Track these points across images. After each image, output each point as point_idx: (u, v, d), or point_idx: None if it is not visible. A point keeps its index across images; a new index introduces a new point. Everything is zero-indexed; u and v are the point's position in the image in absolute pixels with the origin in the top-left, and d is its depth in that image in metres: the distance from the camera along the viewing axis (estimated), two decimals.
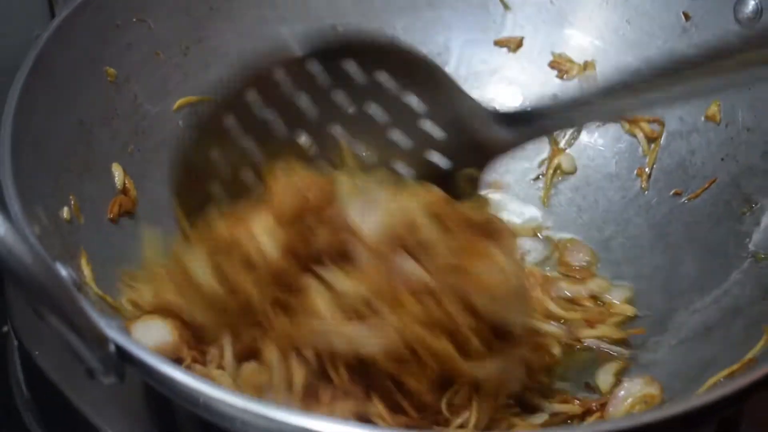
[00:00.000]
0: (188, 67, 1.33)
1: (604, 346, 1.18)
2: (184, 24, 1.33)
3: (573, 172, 1.43)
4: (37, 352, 1.17)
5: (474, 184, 1.16)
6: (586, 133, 1.44)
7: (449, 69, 1.46)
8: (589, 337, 1.18)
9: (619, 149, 1.42)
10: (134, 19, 1.26)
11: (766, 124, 1.25)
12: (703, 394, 0.82)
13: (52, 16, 1.16)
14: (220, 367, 1.02)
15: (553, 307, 1.21)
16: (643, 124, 1.40)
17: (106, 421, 1.12)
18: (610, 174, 1.41)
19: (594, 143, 1.43)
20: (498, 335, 0.97)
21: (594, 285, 1.27)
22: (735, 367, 1.00)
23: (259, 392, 0.98)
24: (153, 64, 1.29)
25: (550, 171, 1.43)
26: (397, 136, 1.14)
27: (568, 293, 1.25)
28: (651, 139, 1.39)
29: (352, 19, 1.46)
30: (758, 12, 1.25)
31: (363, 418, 0.93)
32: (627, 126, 1.41)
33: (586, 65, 1.45)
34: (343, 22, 1.44)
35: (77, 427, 1.12)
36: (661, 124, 1.38)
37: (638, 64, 1.38)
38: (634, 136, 1.41)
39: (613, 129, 1.43)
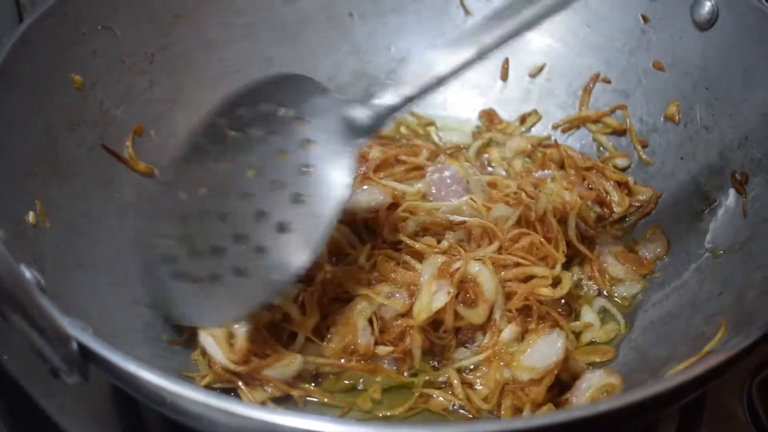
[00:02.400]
0: (154, 73, 1.34)
1: None
2: (149, 31, 1.34)
3: None
4: (5, 357, 1.17)
5: None
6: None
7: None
8: None
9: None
10: (100, 27, 1.26)
11: (724, 123, 1.27)
12: (661, 382, 0.82)
13: (20, 22, 1.16)
14: None
15: None
16: (608, 120, 1.42)
17: (73, 423, 1.13)
18: None
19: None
20: None
21: None
22: (694, 359, 1.02)
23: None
24: (119, 71, 1.30)
25: None
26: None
27: None
28: (620, 132, 1.42)
29: (319, 25, 1.48)
30: (714, 13, 1.27)
31: None
32: (593, 129, 1.44)
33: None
34: (308, 28, 1.46)
35: (44, 429, 1.13)
36: (623, 107, 1.43)
37: (597, 66, 1.43)
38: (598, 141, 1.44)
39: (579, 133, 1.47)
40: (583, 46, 1.44)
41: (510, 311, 1.16)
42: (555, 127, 1.47)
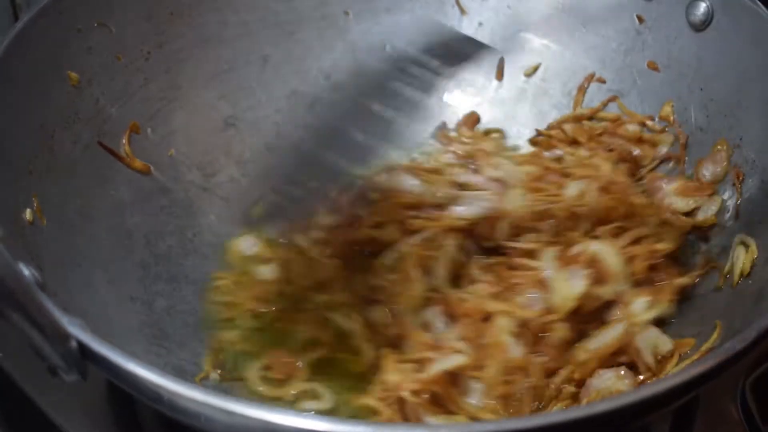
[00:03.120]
0: (150, 71, 1.34)
1: None
2: (145, 29, 1.34)
3: None
4: (1, 355, 1.17)
5: None
6: None
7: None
8: None
9: None
10: (95, 24, 1.26)
11: (717, 123, 1.28)
12: (654, 384, 0.83)
13: (16, 21, 1.16)
14: None
15: None
16: (602, 115, 1.43)
17: (69, 422, 1.13)
18: None
19: None
20: None
21: None
22: (694, 357, 1.03)
23: None
24: (114, 69, 1.29)
25: None
26: None
27: None
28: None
29: (314, 23, 1.48)
30: (709, 14, 1.28)
31: None
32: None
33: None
34: (304, 26, 1.46)
35: (41, 428, 1.13)
36: (615, 98, 1.44)
37: (593, 66, 1.43)
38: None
39: None
40: (579, 46, 1.45)
41: (637, 276, 1.16)
42: (550, 128, 1.46)
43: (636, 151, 1.36)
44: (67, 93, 1.22)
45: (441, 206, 1.28)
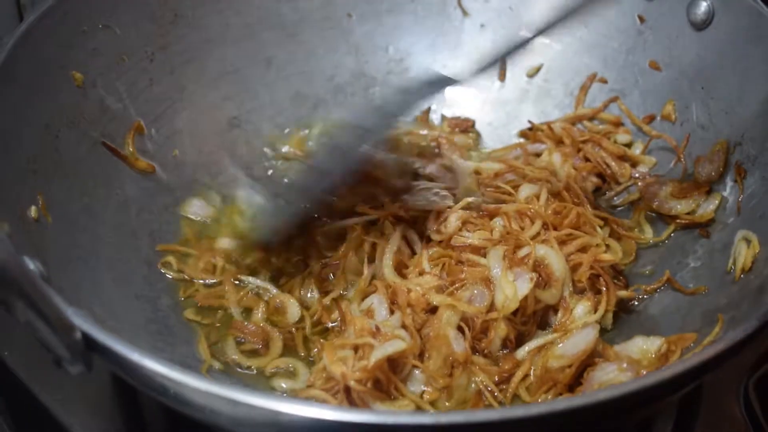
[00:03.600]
0: (154, 72, 1.35)
1: None
2: (149, 30, 1.35)
3: None
4: (5, 352, 1.18)
5: None
6: None
7: (411, 73, 1.53)
8: None
9: None
10: (100, 25, 1.27)
11: (719, 121, 1.28)
12: (657, 372, 0.83)
13: (21, 22, 1.17)
14: None
15: None
16: (604, 115, 1.45)
17: (73, 418, 1.13)
18: None
19: None
20: None
21: None
22: (695, 350, 1.03)
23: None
24: (119, 69, 1.30)
25: None
26: None
27: None
28: (617, 125, 1.43)
29: (318, 25, 1.49)
30: (710, 13, 1.28)
31: None
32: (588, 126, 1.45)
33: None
34: (307, 28, 1.47)
35: (45, 425, 1.13)
36: (616, 98, 1.45)
37: (595, 66, 1.44)
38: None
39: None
40: (581, 46, 1.45)
41: (580, 282, 1.18)
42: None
43: (612, 169, 1.37)
44: (71, 93, 1.22)
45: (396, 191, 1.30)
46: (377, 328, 1.09)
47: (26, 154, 1.11)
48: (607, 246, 1.27)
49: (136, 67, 1.33)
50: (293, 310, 1.21)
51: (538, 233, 1.22)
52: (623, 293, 1.20)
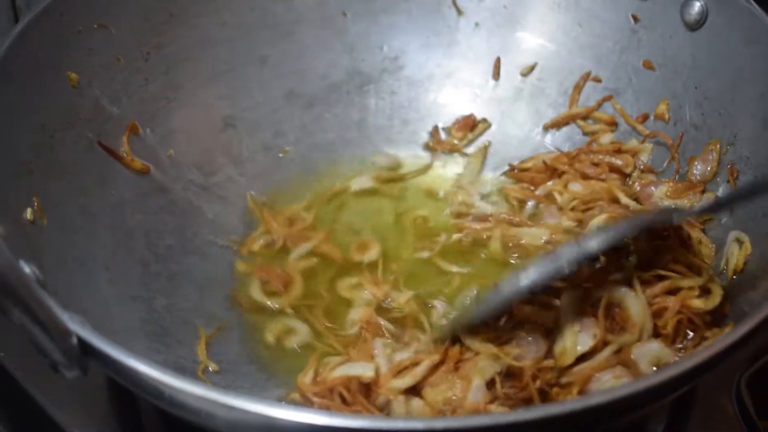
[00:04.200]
0: (149, 71, 1.35)
1: None
2: (144, 30, 1.35)
3: None
4: (2, 354, 1.18)
5: None
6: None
7: (406, 72, 1.53)
8: None
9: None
10: (95, 25, 1.27)
11: (713, 121, 1.29)
12: (650, 376, 0.84)
13: (17, 22, 1.17)
14: None
15: None
16: (597, 115, 1.44)
17: (70, 420, 1.14)
18: None
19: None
20: None
21: None
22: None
23: None
24: (114, 69, 1.30)
25: None
26: None
27: None
28: (611, 124, 1.43)
29: (312, 24, 1.49)
30: (703, 14, 1.28)
31: None
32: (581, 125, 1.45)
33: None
34: (302, 27, 1.47)
35: (42, 427, 1.14)
36: (610, 97, 1.44)
37: (588, 65, 1.44)
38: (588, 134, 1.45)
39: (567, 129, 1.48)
40: (575, 46, 1.45)
41: (663, 329, 1.08)
42: (546, 128, 1.48)
43: (618, 161, 1.37)
44: (67, 93, 1.23)
45: None
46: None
47: (22, 155, 1.12)
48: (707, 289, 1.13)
49: (131, 67, 1.33)
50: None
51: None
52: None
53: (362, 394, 1.05)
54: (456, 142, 1.49)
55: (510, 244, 1.31)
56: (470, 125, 1.50)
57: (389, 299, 1.24)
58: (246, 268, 1.31)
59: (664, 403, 1.15)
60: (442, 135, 1.51)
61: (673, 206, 1.26)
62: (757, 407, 1.18)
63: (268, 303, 1.25)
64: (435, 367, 1.05)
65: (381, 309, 1.23)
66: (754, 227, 1.14)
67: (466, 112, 1.51)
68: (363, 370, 1.05)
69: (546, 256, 1.06)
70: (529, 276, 1.04)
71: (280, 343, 1.21)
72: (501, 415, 0.80)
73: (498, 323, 1.09)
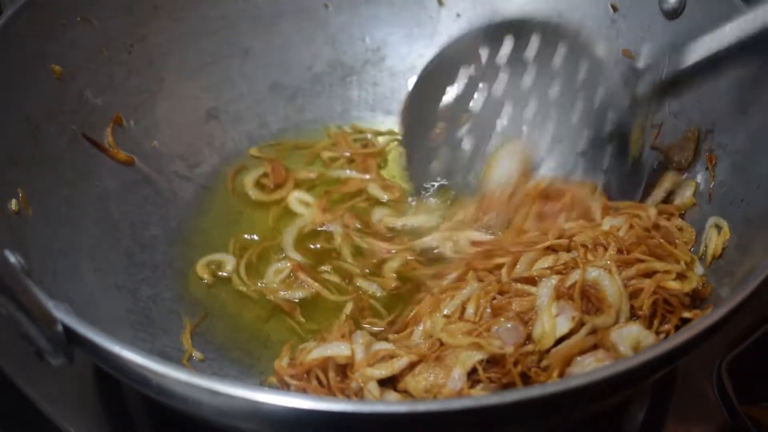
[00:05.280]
0: (132, 63, 1.36)
1: None
2: (127, 22, 1.35)
3: None
4: None
5: None
6: None
7: (388, 63, 1.54)
8: None
9: None
10: (78, 18, 1.28)
11: (690, 109, 1.29)
12: (629, 359, 0.84)
13: (0, 15, 1.18)
14: None
15: None
16: None
17: (57, 410, 1.14)
18: None
19: None
20: None
21: None
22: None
23: None
24: (98, 62, 1.31)
25: None
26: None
27: None
28: None
29: (295, 16, 1.50)
30: (681, 3, 1.29)
31: None
32: None
33: None
34: (284, 19, 1.48)
35: (29, 416, 1.14)
36: None
37: None
38: None
39: None
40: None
41: (640, 310, 1.06)
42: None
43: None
44: (51, 86, 1.23)
45: None
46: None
47: (6, 146, 1.12)
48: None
49: (115, 59, 1.33)
50: None
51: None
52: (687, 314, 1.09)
53: (339, 378, 1.05)
54: None
55: None
56: None
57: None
58: None
59: (644, 386, 1.15)
60: None
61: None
62: (738, 392, 1.19)
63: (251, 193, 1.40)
64: (413, 365, 1.04)
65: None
66: (732, 213, 1.15)
67: None
68: (338, 350, 1.06)
69: None
70: None
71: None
72: (483, 398, 0.80)
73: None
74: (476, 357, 1.03)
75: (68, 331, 0.84)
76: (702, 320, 0.87)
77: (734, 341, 1.24)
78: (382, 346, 1.08)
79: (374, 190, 1.42)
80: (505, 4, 1.48)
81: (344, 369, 1.05)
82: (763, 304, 1.05)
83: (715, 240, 1.15)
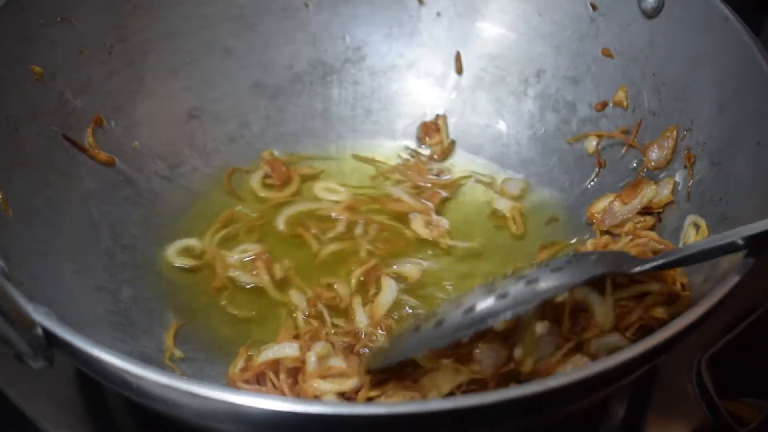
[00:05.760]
0: (113, 64, 1.35)
1: None
2: (107, 22, 1.35)
3: None
4: None
5: None
6: None
7: (368, 62, 1.54)
8: None
9: None
10: (58, 18, 1.27)
11: (670, 108, 1.30)
12: (606, 359, 0.84)
13: None
14: None
15: None
16: None
17: (39, 411, 1.14)
18: None
19: None
20: None
21: None
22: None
23: None
24: (78, 62, 1.30)
25: None
26: None
27: None
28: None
29: (275, 15, 1.50)
30: (660, 2, 1.30)
31: None
32: None
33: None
34: (265, 18, 1.48)
35: (11, 419, 1.14)
36: None
37: (548, 53, 1.45)
38: None
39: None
40: (535, 34, 1.46)
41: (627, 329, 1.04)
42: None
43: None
44: (31, 87, 1.23)
45: None
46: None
47: None
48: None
49: (95, 60, 1.33)
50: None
51: None
52: None
53: (290, 381, 1.06)
54: (439, 146, 1.50)
55: None
56: (435, 126, 1.51)
57: None
58: None
59: (622, 385, 1.16)
60: (424, 151, 1.53)
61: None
62: (718, 388, 1.20)
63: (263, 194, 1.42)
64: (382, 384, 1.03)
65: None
66: (710, 211, 1.16)
67: (425, 104, 1.54)
68: (287, 350, 1.06)
69: (484, 289, 1.00)
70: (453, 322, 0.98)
71: None
72: (463, 398, 0.80)
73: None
74: (455, 381, 1.01)
75: (48, 335, 0.84)
76: (679, 320, 0.87)
77: (714, 338, 1.24)
78: (339, 363, 1.08)
79: (417, 223, 1.38)
80: (484, 4, 1.49)
81: (295, 373, 1.06)
82: (741, 300, 1.05)
83: (693, 238, 1.15)
